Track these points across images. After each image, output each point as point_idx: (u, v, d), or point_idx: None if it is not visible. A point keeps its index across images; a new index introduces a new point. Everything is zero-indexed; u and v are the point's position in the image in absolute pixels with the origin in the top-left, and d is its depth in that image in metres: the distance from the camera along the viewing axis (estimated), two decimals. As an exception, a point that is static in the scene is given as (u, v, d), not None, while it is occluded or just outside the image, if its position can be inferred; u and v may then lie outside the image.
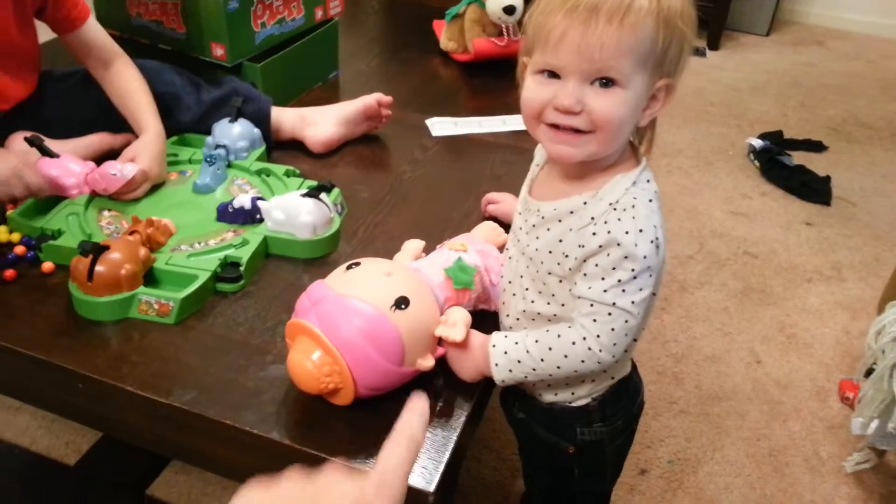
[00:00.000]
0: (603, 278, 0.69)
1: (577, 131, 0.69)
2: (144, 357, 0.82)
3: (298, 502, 0.44)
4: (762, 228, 2.07)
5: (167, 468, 1.29)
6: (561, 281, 0.75)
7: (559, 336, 0.73)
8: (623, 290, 0.69)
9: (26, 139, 1.02)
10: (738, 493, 1.34)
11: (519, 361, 0.75)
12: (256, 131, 1.14)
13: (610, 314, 0.70)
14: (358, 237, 1.03)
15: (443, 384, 0.80)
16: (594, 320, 0.70)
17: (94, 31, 1.12)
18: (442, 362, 0.78)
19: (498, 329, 0.85)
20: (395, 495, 0.45)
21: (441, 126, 1.32)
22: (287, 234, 0.97)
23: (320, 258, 0.98)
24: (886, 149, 2.50)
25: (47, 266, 0.92)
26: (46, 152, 1.02)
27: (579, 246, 0.71)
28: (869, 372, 1.20)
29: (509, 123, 1.33)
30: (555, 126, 0.70)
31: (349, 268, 0.77)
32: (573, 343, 0.72)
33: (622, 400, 0.84)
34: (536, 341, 0.74)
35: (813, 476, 1.37)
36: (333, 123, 1.21)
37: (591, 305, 0.70)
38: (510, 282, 0.82)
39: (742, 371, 1.60)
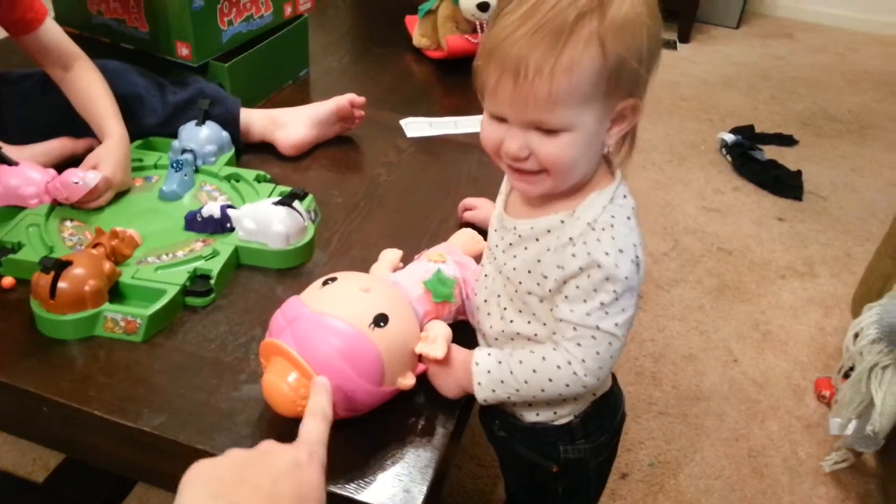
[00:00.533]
0: (585, 300, 0.67)
1: (532, 171, 0.67)
2: (111, 378, 0.78)
3: (246, 464, 0.55)
4: (735, 224, 2.08)
5: (139, 484, 1.25)
6: (542, 301, 0.73)
7: (544, 359, 0.71)
8: (606, 313, 0.67)
9: None
10: (717, 496, 1.34)
11: (502, 381, 0.73)
12: (225, 134, 1.10)
13: (594, 337, 0.68)
14: (333, 245, 1.00)
15: (424, 402, 0.78)
16: (578, 344, 0.69)
17: (51, 32, 1.07)
18: (422, 379, 0.76)
19: (477, 342, 0.83)
20: (323, 462, 0.59)
21: (416, 127, 1.29)
22: (259, 243, 0.93)
23: (294, 268, 0.95)
24: (855, 142, 2.53)
25: (7, 281, 0.88)
26: (4, 160, 0.97)
27: (558, 267, 0.68)
28: (847, 374, 1.21)
29: (485, 124, 1.31)
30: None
31: (325, 283, 0.74)
32: (558, 367, 0.70)
33: (604, 415, 0.83)
34: (520, 362, 0.72)
35: (791, 476, 1.38)
36: (305, 125, 1.17)
37: (575, 329, 0.68)
38: (485, 300, 0.79)
39: (719, 370, 1.60)
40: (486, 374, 0.73)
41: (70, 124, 1.07)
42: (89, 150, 1.05)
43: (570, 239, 0.68)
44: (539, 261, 0.71)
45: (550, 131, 0.64)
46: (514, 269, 0.73)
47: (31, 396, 0.77)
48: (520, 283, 0.73)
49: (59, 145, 1.08)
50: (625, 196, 0.70)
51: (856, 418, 1.22)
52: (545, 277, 0.70)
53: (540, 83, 0.61)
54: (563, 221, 0.69)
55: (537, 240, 0.71)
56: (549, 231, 0.70)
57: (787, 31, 3.39)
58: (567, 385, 0.70)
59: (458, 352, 0.76)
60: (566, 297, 0.69)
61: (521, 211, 0.75)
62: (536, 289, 0.72)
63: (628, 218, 0.68)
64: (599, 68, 0.61)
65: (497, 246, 0.77)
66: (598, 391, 0.80)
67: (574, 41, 0.60)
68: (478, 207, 1.01)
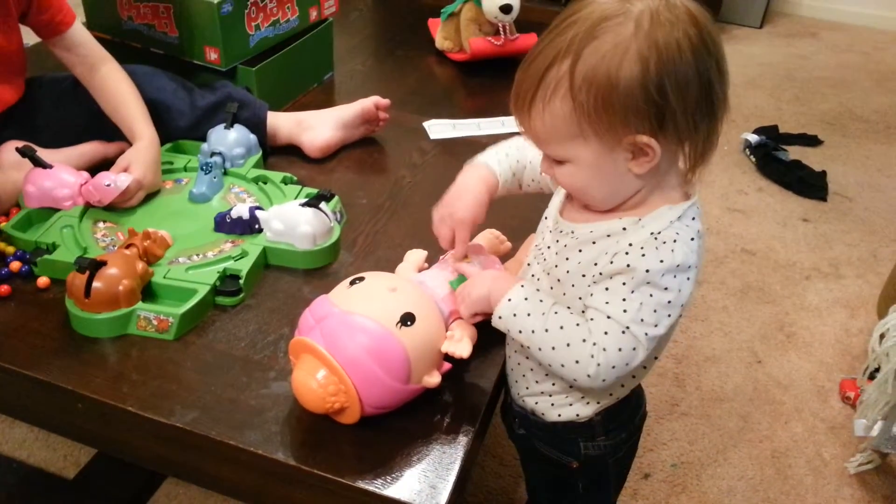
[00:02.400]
0: (624, 299, 0.67)
1: None
2: (144, 375, 0.80)
3: None
4: (759, 225, 2.07)
5: (167, 480, 1.27)
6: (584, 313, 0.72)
7: (577, 325, 0.68)
8: (642, 320, 0.67)
9: (18, 150, 1.00)
10: (741, 497, 1.33)
11: (528, 314, 0.70)
12: (252, 137, 1.12)
13: (623, 333, 0.67)
14: (358, 246, 1.01)
15: (449, 400, 0.79)
16: (605, 332, 0.68)
17: (80, 35, 1.10)
18: (448, 378, 0.77)
19: (503, 341, 0.84)
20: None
21: (439, 128, 1.30)
22: (286, 244, 0.95)
23: (321, 268, 0.96)
24: (881, 142, 2.50)
25: (42, 281, 0.90)
26: (39, 163, 0.99)
27: (610, 262, 0.68)
28: (872, 375, 1.20)
29: (508, 125, 1.32)
30: None
31: (353, 283, 0.75)
32: (583, 340, 0.68)
33: (625, 413, 0.83)
34: (556, 313, 0.69)
35: (816, 478, 1.37)
36: (331, 128, 1.19)
37: (608, 318, 0.67)
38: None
39: (742, 371, 1.59)
40: (524, 300, 0.71)
41: (101, 127, 1.10)
42: (120, 153, 1.07)
43: (631, 245, 0.67)
44: (595, 264, 0.70)
45: (559, 161, 0.69)
46: (568, 271, 0.72)
47: (66, 393, 0.79)
48: (572, 286, 0.72)
49: (91, 149, 1.11)
50: (693, 218, 0.69)
51: (881, 419, 1.21)
52: (596, 275, 0.70)
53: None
54: (625, 228, 0.69)
55: (594, 243, 0.71)
56: (608, 236, 0.70)
57: (811, 31, 3.35)
58: (577, 361, 0.68)
59: (499, 271, 0.79)
60: (607, 288, 0.68)
61: (579, 215, 0.74)
62: (587, 291, 0.71)
63: (692, 239, 0.68)
64: (572, 110, 0.63)
65: (549, 248, 0.76)
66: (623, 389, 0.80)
67: (546, 84, 0.64)
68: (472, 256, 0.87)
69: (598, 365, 0.67)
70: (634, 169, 0.66)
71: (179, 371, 0.81)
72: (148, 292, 0.88)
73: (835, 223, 2.09)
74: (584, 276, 0.71)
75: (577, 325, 0.69)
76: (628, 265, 0.66)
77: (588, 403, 0.79)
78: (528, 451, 0.90)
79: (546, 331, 0.69)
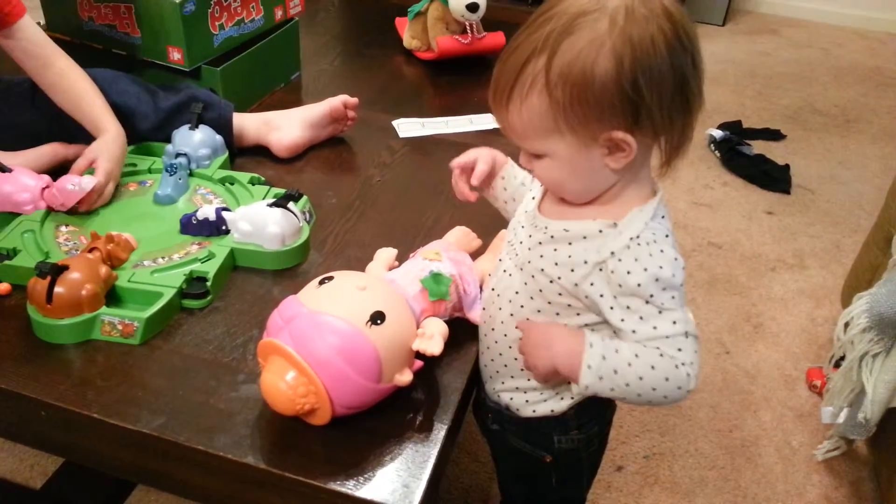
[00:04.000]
0: (661, 312, 0.67)
1: None
2: (110, 381, 0.79)
3: None
4: (725, 218, 2.10)
5: (138, 488, 1.25)
6: (570, 305, 0.73)
7: (661, 356, 0.68)
8: (688, 318, 0.68)
9: None
10: (712, 486, 1.35)
11: (615, 372, 0.68)
12: (218, 138, 1.11)
13: (687, 338, 0.68)
14: (328, 246, 1.00)
15: (421, 398, 0.79)
16: (679, 349, 0.68)
17: (30, 29, 1.06)
18: (420, 375, 0.77)
19: (475, 337, 0.84)
20: None
21: (408, 127, 1.30)
22: (254, 245, 0.94)
23: (290, 269, 0.96)
24: (841, 135, 2.56)
25: (3, 287, 0.88)
26: None
27: (619, 285, 0.68)
28: (838, 363, 1.23)
29: (476, 123, 1.32)
30: None
31: (322, 282, 0.75)
32: (675, 367, 0.67)
33: (597, 405, 0.83)
34: (637, 355, 0.68)
35: (785, 465, 1.40)
36: (299, 127, 1.18)
37: (668, 338, 0.68)
38: (499, 294, 0.79)
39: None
40: (601, 359, 0.69)
41: (60, 131, 1.08)
42: (79, 154, 1.05)
43: (613, 253, 0.68)
44: (573, 270, 0.70)
45: (536, 155, 0.69)
46: (543, 269, 0.73)
47: (29, 401, 0.77)
48: (550, 282, 0.72)
49: (50, 150, 1.08)
50: (663, 216, 0.71)
51: (847, 406, 1.24)
52: (587, 296, 0.70)
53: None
54: (601, 231, 0.69)
55: (570, 243, 0.71)
56: (584, 238, 0.70)
57: (772, 28, 3.41)
58: (679, 388, 0.68)
59: (561, 328, 0.73)
60: (641, 318, 0.68)
61: (554, 211, 0.75)
62: (567, 292, 0.72)
63: (667, 235, 0.69)
64: (548, 106, 0.64)
65: (522, 242, 0.76)
66: None
67: (523, 79, 0.65)
68: (476, 161, 0.87)
69: (695, 377, 0.68)
70: (611, 164, 0.67)
71: (146, 376, 0.80)
72: (112, 297, 0.86)
73: (798, 216, 2.13)
74: (560, 277, 0.71)
75: (661, 355, 0.68)
76: (639, 284, 0.67)
77: (562, 399, 0.80)
78: (501, 446, 0.90)
79: (641, 378, 0.68)
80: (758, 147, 2.40)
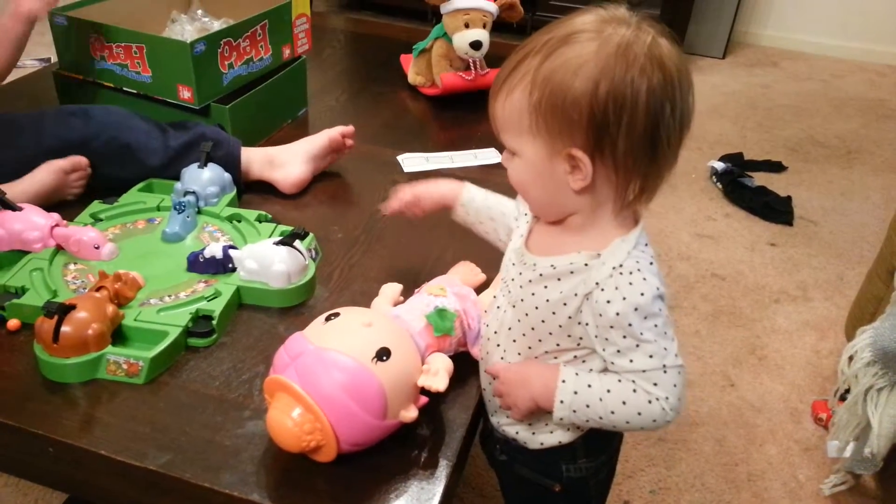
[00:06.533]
0: (638, 345, 0.69)
1: None
2: (117, 418, 0.79)
3: None
4: (728, 250, 2.11)
5: (140, 523, 1.24)
6: (558, 345, 0.74)
7: (634, 391, 0.70)
8: (665, 349, 0.69)
9: None
10: (719, 521, 1.35)
11: (587, 406, 0.72)
12: (227, 176, 1.12)
13: (665, 372, 0.69)
14: (334, 280, 1.01)
15: (426, 434, 0.79)
16: (655, 384, 0.69)
17: None
18: (425, 412, 0.77)
19: (479, 372, 0.85)
20: None
21: (413, 162, 1.32)
22: (261, 283, 0.95)
23: (296, 306, 0.96)
24: (843, 167, 2.57)
25: (13, 324, 0.89)
26: (8, 205, 0.98)
27: (599, 315, 0.69)
28: (843, 396, 1.22)
29: (481, 158, 1.34)
30: None
31: (328, 319, 0.76)
32: (649, 402, 0.70)
33: (605, 434, 0.84)
34: (609, 391, 0.71)
35: (792, 500, 1.39)
36: (302, 162, 1.20)
37: (643, 372, 0.69)
38: (496, 332, 0.80)
39: (717, 395, 1.61)
40: (573, 394, 0.72)
41: (48, 152, 1.08)
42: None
43: (597, 284, 0.69)
44: (565, 304, 0.72)
45: (512, 152, 0.72)
46: (537, 307, 0.74)
47: (36, 438, 0.77)
48: (542, 321, 0.74)
49: (45, 172, 1.07)
50: (646, 244, 0.72)
51: (853, 441, 1.23)
52: (580, 324, 0.72)
53: (496, 105, 0.71)
54: (586, 265, 0.71)
55: (559, 279, 0.72)
56: (572, 273, 0.71)
57: (772, 60, 3.45)
58: (654, 420, 0.70)
59: (535, 365, 0.76)
60: (618, 350, 0.70)
61: (542, 247, 0.76)
62: (559, 331, 0.73)
63: (651, 263, 0.70)
64: (527, 103, 0.67)
65: (514, 280, 0.78)
66: None
67: (515, 73, 0.68)
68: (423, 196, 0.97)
69: (671, 410, 0.70)
70: (571, 184, 0.69)
71: (152, 413, 0.80)
72: (119, 335, 0.87)
73: (801, 247, 2.14)
74: (554, 313, 0.73)
75: (634, 391, 0.70)
76: (617, 313, 0.68)
77: (568, 429, 0.80)
78: (509, 476, 0.90)
79: (612, 413, 0.71)
80: (759, 179, 2.41)
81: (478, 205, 0.93)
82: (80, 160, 1.10)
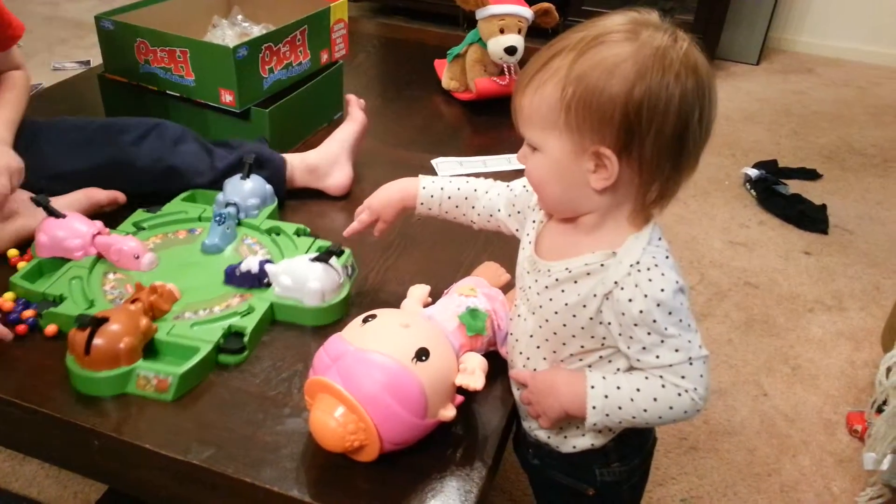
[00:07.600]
0: (663, 341, 0.70)
1: None
2: (160, 413, 0.81)
3: None
4: (761, 258, 2.09)
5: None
6: (582, 346, 0.75)
7: (663, 386, 0.71)
8: (689, 342, 0.70)
9: (32, 199, 1.00)
10: (751, 531, 1.33)
11: (619, 408, 0.73)
12: (268, 188, 1.12)
13: (691, 365, 0.70)
14: (369, 283, 1.03)
15: (462, 433, 0.80)
16: (683, 377, 0.71)
17: (15, 51, 1.20)
18: (460, 411, 0.78)
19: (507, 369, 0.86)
20: None
21: (447, 166, 1.33)
22: (294, 300, 0.93)
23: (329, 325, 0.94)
24: (879, 175, 2.53)
25: (50, 329, 0.90)
26: (52, 212, 0.99)
27: (622, 314, 0.70)
28: (881, 408, 1.21)
29: (513, 162, 1.34)
30: None
31: (365, 320, 0.77)
32: (678, 395, 0.71)
33: (638, 437, 0.84)
34: (638, 389, 0.72)
35: (826, 512, 1.37)
36: (346, 164, 1.22)
37: (670, 366, 0.70)
38: (517, 339, 0.81)
39: (749, 404, 1.60)
40: (604, 398, 0.73)
41: (104, 179, 1.11)
42: (112, 201, 1.10)
43: (616, 283, 0.70)
44: (585, 306, 0.72)
45: (533, 148, 0.72)
46: (556, 312, 0.75)
47: (82, 430, 0.80)
48: (563, 325, 0.75)
49: (84, 196, 1.09)
50: (660, 238, 0.73)
51: (891, 453, 1.21)
52: (602, 324, 0.72)
53: (523, 99, 0.70)
54: (602, 265, 0.71)
55: (576, 282, 0.73)
56: (588, 274, 0.72)
57: (807, 67, 3.41)
58: (685, 412, 0.72)
59: (562, 373, 0.77)
60: (644, 347, 0.70)
61: (552, 252, 0.77)
62: (582, 333, 0.74)
63: (667, 257, 0.71)
64: (558, 99, 0.67)
65: (531, 288, 0.78)
66: None
67: (547, 69, 0.68)
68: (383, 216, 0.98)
69: (701, 400, 0.72)
70: (593, 182, 0.69)
71: (196, 408, 0.82)
72: (150, 349, 0.86)
73: (837, 256, 2.11)
74: (575, 316, 0.74)
75: (663, 386, 0.71)
76: (641, 311, 0.69)
77: (600, 432, 0.80)
78: (542, 481, 0.91)
79: (645, 410, 0.72)
80: (794, 186, 2.39)
81: (437, 199, 0.94)
82: (118, 197, 1.11)
